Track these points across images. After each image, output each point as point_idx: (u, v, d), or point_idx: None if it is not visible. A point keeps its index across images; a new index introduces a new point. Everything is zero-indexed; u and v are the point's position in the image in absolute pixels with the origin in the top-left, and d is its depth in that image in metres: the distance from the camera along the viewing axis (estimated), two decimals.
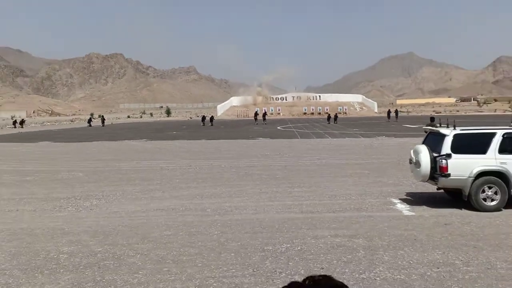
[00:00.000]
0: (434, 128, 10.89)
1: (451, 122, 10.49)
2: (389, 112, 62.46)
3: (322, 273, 1.48)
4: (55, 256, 6.92)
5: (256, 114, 70.97)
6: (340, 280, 1.46)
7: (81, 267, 6.42)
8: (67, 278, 5.99)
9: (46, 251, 7.20)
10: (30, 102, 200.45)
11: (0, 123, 79.98)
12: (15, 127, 61.33)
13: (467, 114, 77.08)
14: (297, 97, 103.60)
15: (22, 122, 64.62)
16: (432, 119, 18.05)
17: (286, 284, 1.46)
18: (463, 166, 9.47)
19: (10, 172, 16.82)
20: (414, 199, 10.78)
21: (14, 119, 70.18)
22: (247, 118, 77.69)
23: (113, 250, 7.14)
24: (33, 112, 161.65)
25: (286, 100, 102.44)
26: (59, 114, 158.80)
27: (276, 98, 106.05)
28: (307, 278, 1.45)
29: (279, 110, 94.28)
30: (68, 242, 7.67)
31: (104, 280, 5.88)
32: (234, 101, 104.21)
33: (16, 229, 8.61)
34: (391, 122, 53.54)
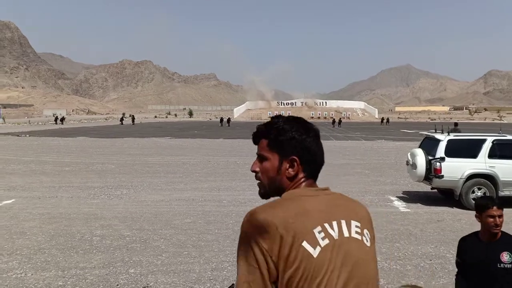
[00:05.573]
0: (430, 134, 10.74)
1: (446, 128, 10.35)
2: (382, 119, 73.75)
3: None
4: (89, 238, 6.98)
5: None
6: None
7: (111, 248, 6.46)
8: (99, 258, 6.03)
9: (81, 233, 7.26)
10: (70, 102, 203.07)
11: (43, 120, 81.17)
12: (56, 123, 62.13)
13: (459, 121, 75.82)
14: (305, 102, 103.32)
15: (62, 119, 65.46)
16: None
17: None
18: (455, 169, 9.33)
19: (51, 163, 17.04)
20: (410, 197, 10.63)
21: (56, 116, 71.07)
22: (260, 120, 77.52)
23: (140, 234, 7.18)
24: (72, 111, 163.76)
25: (295, 105, 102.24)
26: (95, 113, 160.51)
27: (286, 103, 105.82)
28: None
29: (289, 113, 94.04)
30: (100, 226, 7.73)
31: (131, 261, 5.91)
32: (249, 105, 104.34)
33: (55, 213, 8.71)
34: (390, 127, 56.08)
